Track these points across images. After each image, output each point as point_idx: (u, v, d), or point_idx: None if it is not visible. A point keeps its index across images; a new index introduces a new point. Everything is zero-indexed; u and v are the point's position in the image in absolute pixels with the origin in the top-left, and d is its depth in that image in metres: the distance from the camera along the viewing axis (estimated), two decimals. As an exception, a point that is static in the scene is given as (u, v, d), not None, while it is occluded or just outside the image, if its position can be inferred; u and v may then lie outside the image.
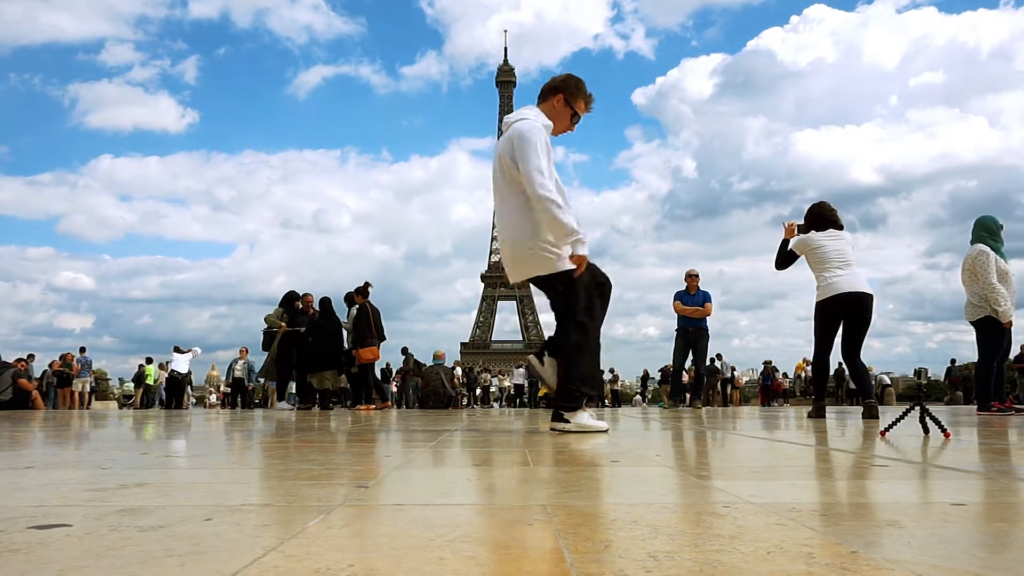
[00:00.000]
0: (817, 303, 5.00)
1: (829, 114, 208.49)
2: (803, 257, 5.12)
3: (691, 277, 8.86)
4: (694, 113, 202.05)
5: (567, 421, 3.05)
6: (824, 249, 4.97)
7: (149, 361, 18.19)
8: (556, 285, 3.10)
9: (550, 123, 3.16)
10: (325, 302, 9.55)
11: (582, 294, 3.10)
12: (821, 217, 5.14)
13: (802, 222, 5.20)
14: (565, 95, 3.19)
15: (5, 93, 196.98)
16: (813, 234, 5.06)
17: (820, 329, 5.01)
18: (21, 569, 0.71)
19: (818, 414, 5.10)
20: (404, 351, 16.57)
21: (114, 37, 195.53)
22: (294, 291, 9.83)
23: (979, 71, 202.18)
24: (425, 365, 17.08)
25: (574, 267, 3.04)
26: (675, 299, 8.87)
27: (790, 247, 5.19)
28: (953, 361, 21.97)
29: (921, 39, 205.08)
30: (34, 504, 1.13)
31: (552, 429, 3.08)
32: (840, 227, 5.11)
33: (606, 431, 3.02)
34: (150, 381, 17.62)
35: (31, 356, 14.79)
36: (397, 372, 17.58)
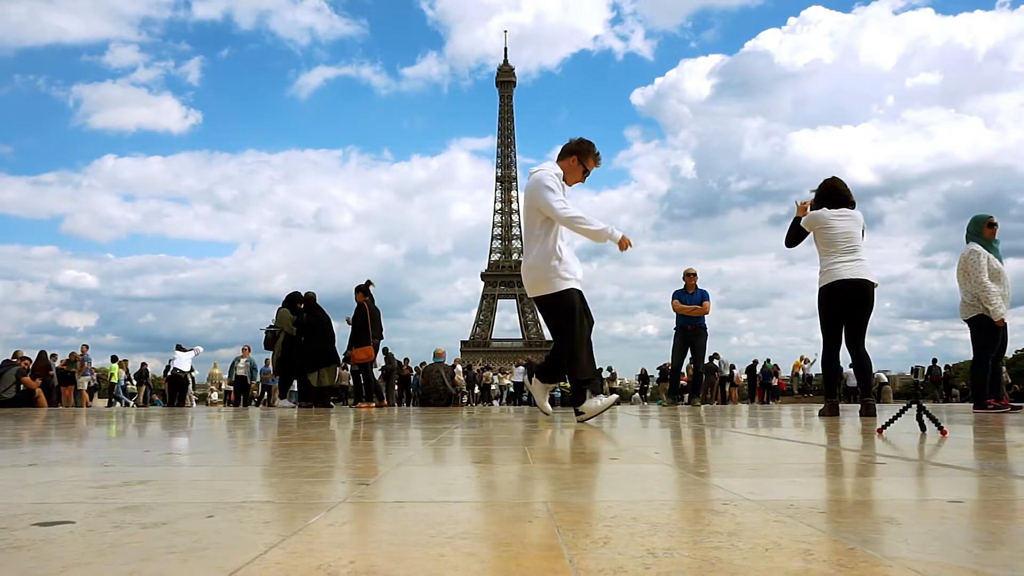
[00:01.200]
0: (820, 289, 4.84)
1: (826, 114, 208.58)
2: (811, 235, 4.92)
3: (689, 276, 8.89)
4: (692, 113, 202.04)
5: (582, 413, 3.85)
6: (833, 231, 4.77)
7: (114, 359, 18.09)
8: (553, 304, 3.89)
9: (561, 171, 3.95)
10: (311, 299, 9.56)
11: (573, 310, 3.87)
12: (834, 193, 4.91)
13: (813, 199, 4.98)
14: (579, 156, 4.00)
15: (9, 94, 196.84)
16: (825, 211, 4.84)
17: (825, 319, 4.84)
18: (25, 566, 0.71)
19: (831, 412, 4.87)
20: (384, 350, 16.63)
21: (118, 38, 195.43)
22: (297, 292, 9.84)
23: (975, 72, 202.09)
24: (401, 362, 17.22)
25: (568, 288, 3.87)
26: (673, 298, 8.89)
27: (802, 223, 4.96)
28: (934, 360, 22.83)
29: (917, 40, 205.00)
30: (37, 501, 1.14)
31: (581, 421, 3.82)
32: (853, 204, 4.90)
33: (617, 401, 3.74)
34: (114, 380, 17.60)
35: (53, 356, 14.84)
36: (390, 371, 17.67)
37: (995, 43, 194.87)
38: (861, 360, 4.88)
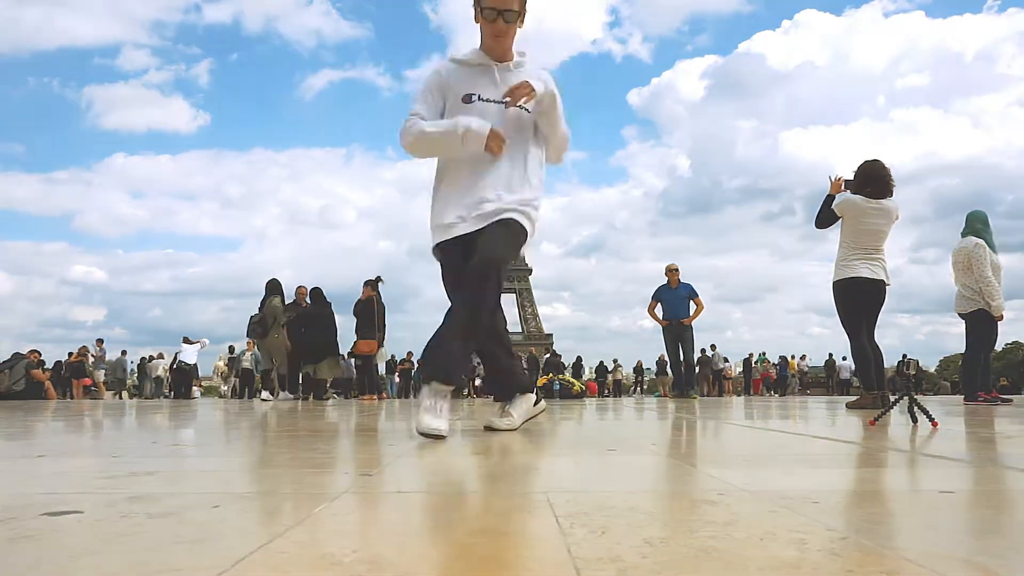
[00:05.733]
0: (835, 282, 4.70)
1: (817, 114, 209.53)
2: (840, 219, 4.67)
3: (671, 271, 9.00)
4: (688, 114, 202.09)
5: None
6: (863, 226, 4.56)
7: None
8: None
9: (460, 52, 2.57)
10: (316, 292, 9.57)
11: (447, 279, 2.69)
12: (874, 178, 4.60)
13: (850, 178, 4.70)
14: (474, 3, 2.55)
15: (24, 95, 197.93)
16: (862, 201, 4.59)
17: (844, 312, 4.69)
18: (35, 555, 0.73)
19: (872, 404, 4.39)
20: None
21: (130, 42, 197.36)
22: (276, 279, 9.75)
23: (963, 73, 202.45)
24: (392, 358, 17.46)
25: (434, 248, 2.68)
26: (655, 296, 9.02)
27: (834, 206, 4.68)
28: (905, 356, 23.54)
29: (908, 42, 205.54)
30: (47, 491, 1.15)
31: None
32: (892, 191, 4.66)
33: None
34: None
35: (104, 343, 14.89)
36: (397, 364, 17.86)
37: (983, 46, 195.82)
38: (873, 353, 4.76)
